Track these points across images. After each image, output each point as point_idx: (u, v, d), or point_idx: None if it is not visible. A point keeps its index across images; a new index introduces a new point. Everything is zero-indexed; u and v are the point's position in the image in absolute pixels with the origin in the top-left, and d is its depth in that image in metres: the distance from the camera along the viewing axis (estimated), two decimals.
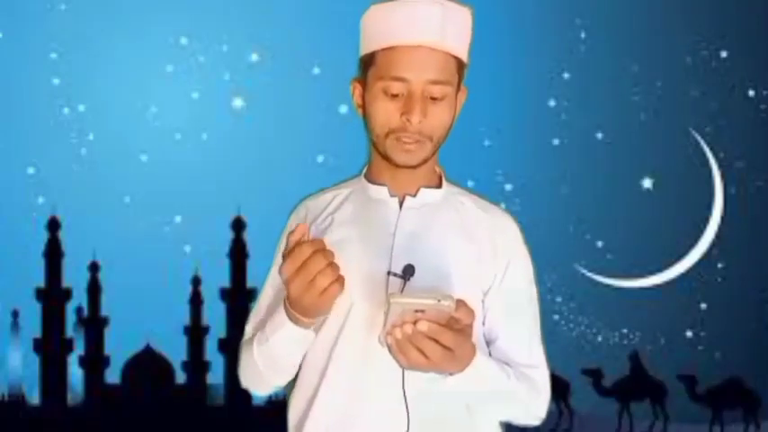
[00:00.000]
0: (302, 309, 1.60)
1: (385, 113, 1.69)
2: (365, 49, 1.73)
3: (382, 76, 1.69)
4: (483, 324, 1.75)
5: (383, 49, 1.69)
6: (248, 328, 1.88)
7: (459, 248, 1.72)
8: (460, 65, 1.72)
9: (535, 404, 1.75)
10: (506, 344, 1.75)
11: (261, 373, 1.76)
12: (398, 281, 1.66)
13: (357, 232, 1.74)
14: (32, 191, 10.69)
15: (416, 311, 1.46)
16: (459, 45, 1.71)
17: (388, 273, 1.67)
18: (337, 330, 1.70)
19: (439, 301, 1.46)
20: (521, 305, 1.78)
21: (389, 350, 1.50)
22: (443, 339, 1.48)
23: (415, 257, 1.68)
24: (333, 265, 1.54)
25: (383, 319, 1.54)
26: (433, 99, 1.68)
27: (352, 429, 1.69)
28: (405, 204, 1.76)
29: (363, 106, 1.75)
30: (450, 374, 1.58)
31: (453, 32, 1.69)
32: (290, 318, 1.63)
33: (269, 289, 1.87)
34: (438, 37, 1.67)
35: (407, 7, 1.67)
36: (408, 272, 1.65)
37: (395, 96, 1.68)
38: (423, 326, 1.46)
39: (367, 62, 1.72)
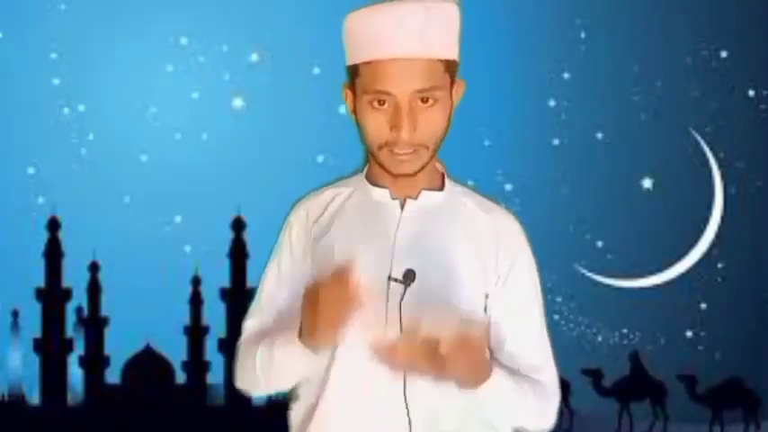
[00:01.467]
0: (311, 335, 1.61)
1: (375, 127, 1.66)
2: (349, 59, 1.69)
3: (367, 90, 1.65)
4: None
5: (365, 63, 1.65)
6: (246, 325, 1.85)
7: (461, 251, 1.70)
8: (449, 64, 1.68)
9: (545, 411, 1.73)
10: (512, 346, 1.73)
11: (258, 378, 1.75)
12: (400, 286, 1.65)
13: (358, 235, 1.73)
14: (32, 191, 10.69)
15: None
16: (445, 47, 1.66)
17: (389, 278, 1.66)
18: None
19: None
20: (525, 306, 1.76)
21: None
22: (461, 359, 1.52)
23: (417, 261, 1.66)
24: (344, 298, 1.56)
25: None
26: (424, 105, 1.64)
27: None
28: (406, 207, 1.73)
29: (355, 112, 1.71)
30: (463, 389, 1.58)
31: (437, 35, 1.63)
32: (301, 338, 1.64)
33: (268, 285, 1.85)
34: (419, 45, 1.62)
35: (386, 16, 1.62)
36: (409, 277, 1.64)
37: (383, 109, 1.65)
38: (443, 348, 1.48)
39: (352, 72, 1.69)
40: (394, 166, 1.69)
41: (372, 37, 1.63)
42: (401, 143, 1.65)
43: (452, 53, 1.69)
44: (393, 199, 1.74)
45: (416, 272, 1.64)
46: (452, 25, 1.68)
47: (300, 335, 1.63)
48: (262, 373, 1.73)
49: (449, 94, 1.69)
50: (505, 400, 1.65)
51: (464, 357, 1.52)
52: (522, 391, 1.67)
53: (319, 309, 1.56)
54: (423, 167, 1.71)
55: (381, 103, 1.65)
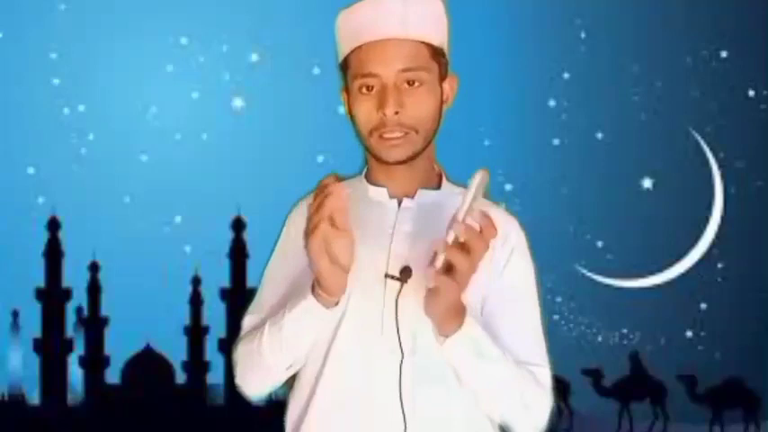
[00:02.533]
0: (319, 276, 1.59)
1: (364, 112, 1.70)
2: (340, 55, 1.76)
3: (355, 76, 1.70)
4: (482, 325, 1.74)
5: (352, 51, 1.71)
6: (245, 322, 1.85)
7: None
8: (435, 51, 1.71)
9: (537, 399, 1.71)
10: (507, 342, 1.72)
11: (262, 361, 1.71)
12: (396, 283, 1.64)
13: (355, 233, 1.74)
14: (32, 191, 10.70)
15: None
16: (427, 31, 1.70)
17: (386, 275, 1.66)
18: (334, 331, 1.69)
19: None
20: (521, 303, 1.76)
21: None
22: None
23: (413, 258, 1.66)
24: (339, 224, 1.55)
25: (380, 312, 1.60)
26: (410, 87, 1.68)
27: (348, 431, 1.68)
28: (403, 205, 1.75)
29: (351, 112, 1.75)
30: (446, 337, 1.57)
31: (417, 20, 1.69)
32: (313, 293, 1.62)
33: (267, 284, 1.86)
34: (400, 28, 1.68)
35: (369, 6, 1.70)
36: (405, 274, 1.64)
37: (371, 94, 1.69)
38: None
39: (344, 68, 1.75)
40: (385, 152, 1.71)
41: (357, 26, 1.70)
42: (389, 123, 1.67)
43: (436, 39, 1.72)
44: (390, 198, 1.75)
45: (413, 269, 1.64)
46: (435, 13, 1.73)
47: (313, 290, 1.62)
48: (269, 350, 1.69)
49: (437, 81, 1.72)
50: (487, 352, 1.62)
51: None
52: (507, 361, 1.65)
53: (320, 243, 1.55)
54: (415, 155, 1.72)
55: (369, 89, 1.69)
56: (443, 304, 1.54)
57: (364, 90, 1.69)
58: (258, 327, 1.77)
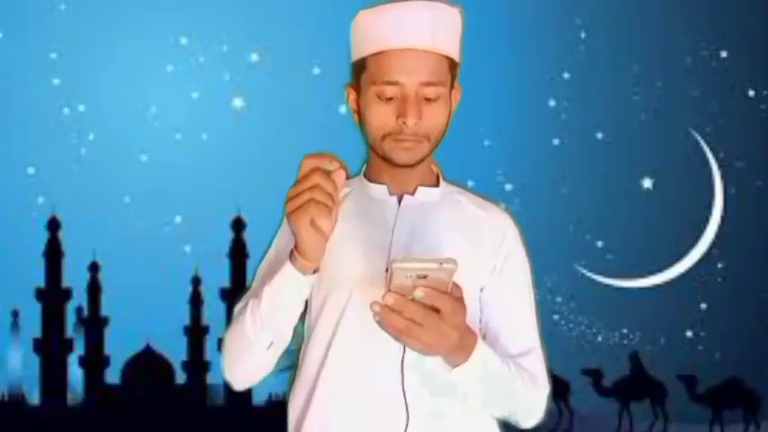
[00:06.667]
0: (298, 238, 1.58)
1: (380, 117, 1.71)
2: (356, 54, 1.74)
3: (375, 80, 1.70)
4: (480, 321, 1.76)
5: (374, 54, 1.70)
6: (235, 310, 1.82)
7: (456, 246, 1.73)
8: (452, 64, 1.74)
9: (534, 396, 1.73)
10: (504, 336, 1.75)
11: (244, 340, 1.69)
12: None
13: (356, 230, 1.75)
14: (32, 191, 10.71)
15: (418, 277, 1.43)
16: (450, 45, 1.72)
17: (387, 270, 1.67)
18: (335, 326, 1.71)
19: (441, 264, 1.42)
20: (519, 298, 1.79)
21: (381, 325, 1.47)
22: (440, 304, 1.45)
23: (414, 254, 1.68)
24: (328, 184, 1.53)
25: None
26: (428, 100, 1.70)
27: (351, 425, 1.69)
28: (403, 203, 1.77)
29: (359, 111, 1.76)
30: (456, 366, 1.57)
31: (444, 33, 1.70)
32: (291, 260, 1.62)
33: (262, 273, 1.86)
34: (429, 39, 1.68)
35: (397, 11, 1.68)
36: None
37: (389, 100, 1.69)
38: (419, 292, 1.44)
39: (359, 67, 1.74)
40: (396, 155, 1.73)
41: (383, 29, 1.69)
42: (406, 132, 1.70)
43: (456, 54, 1.75)
44: (391, 195, 1.78)
45: None
46: (457, 27, 1.74)
47: (291, 258, 1.62)
48: (251, 325, 1.67)
49: (449, 95, 1.75)
50: (494, 374, 1.64)
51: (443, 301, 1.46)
52: (509, 369, 1.67)
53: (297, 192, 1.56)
54: (422, 160, 1.75)
55: (389, 99, 1.69)
56: (449, 341, 1.50)
57: (383, 95, 1.70)
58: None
